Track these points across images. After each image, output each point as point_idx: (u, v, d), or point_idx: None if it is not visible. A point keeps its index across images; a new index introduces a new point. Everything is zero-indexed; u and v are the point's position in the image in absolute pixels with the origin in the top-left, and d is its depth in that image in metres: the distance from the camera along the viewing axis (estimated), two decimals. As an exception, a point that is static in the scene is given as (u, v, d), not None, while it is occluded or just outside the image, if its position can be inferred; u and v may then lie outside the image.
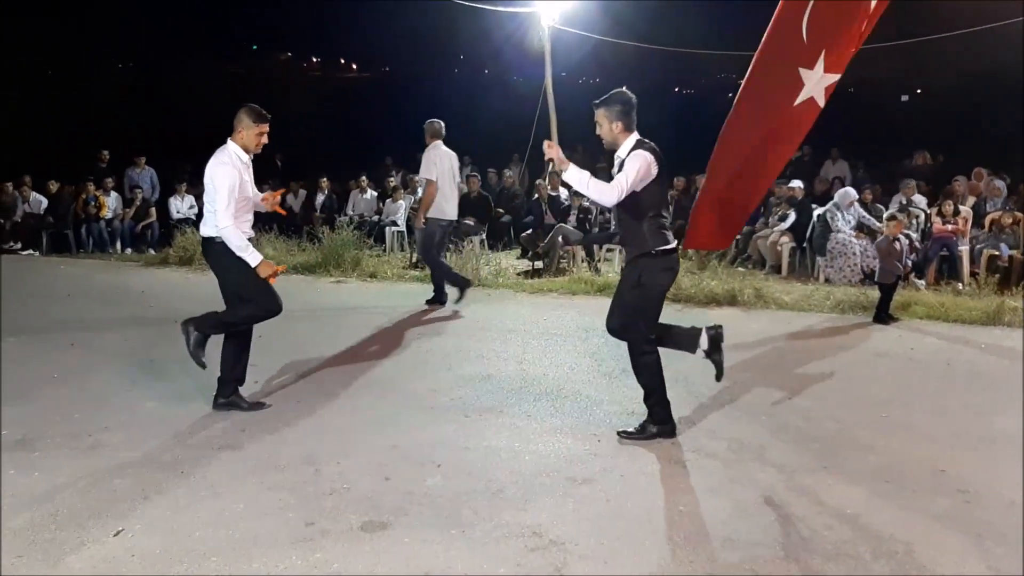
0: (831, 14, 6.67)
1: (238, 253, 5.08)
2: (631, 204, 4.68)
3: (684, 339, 5.00)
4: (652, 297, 4.79)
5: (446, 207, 8.77)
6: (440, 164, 8.66)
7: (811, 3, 6.61)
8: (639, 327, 4.82)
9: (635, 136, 4.77)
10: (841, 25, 6.72)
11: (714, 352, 4.95)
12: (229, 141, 5.20)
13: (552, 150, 4.87)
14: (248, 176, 5.25)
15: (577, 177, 4.65)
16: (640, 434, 4.90)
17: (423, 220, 8.70)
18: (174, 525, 3.78)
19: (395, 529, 3.74)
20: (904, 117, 22.62)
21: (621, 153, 4.76)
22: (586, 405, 5.51)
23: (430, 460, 4.54)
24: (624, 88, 4.85)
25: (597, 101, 4.82)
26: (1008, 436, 4.96)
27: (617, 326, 4.92)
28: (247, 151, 5.23)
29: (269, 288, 5.24)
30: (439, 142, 8.78)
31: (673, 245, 4.83)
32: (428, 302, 8.91)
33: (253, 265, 5.11)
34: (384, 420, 5.22)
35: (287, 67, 57.62)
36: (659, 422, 4.91)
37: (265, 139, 5.28)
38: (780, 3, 6.67)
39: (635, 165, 4.60)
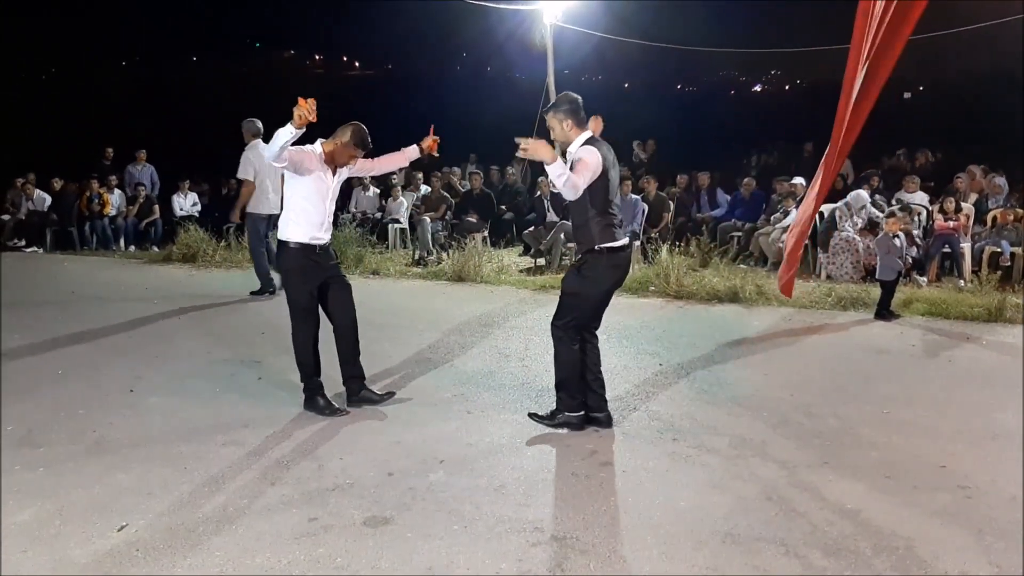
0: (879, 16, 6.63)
1: (280, 141, 4.73)
2: (581, 201, 4.67)
3: (592, 397, 4.99)
4: (590, 289, 4.79)
5: (266, 202, 9.09)
6: (258, 162, 8.91)
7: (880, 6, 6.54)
8: (563, 311, 4.84)
9: (587, 133, 4.79)
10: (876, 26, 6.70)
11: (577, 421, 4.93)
12: (320, 140, 5.16)
13: (535, 145, 4.43)
14: (324, 176, 5.14)
15: (560, 170, 4.43)
16: (549, 420, 4.97)
17: (238, 216, 9.17)
18: (178, 520, 3.80)
19: (398, 524, 3.76)
20: (907, 114, 22.63)
21: (572, 148, 4.75)
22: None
23: (433, 456, 4.56)
24: (568, 91, 4.87)
25: (545, 108, 4.85)
26: (1009, 432, 4.97)
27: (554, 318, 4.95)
28: (329, 157, 5.15)
29: (306, 303, 5.24)
30: (258, 141, 8.99)
31: (621, 243, 4.82)
32: (252, 293, 9.31)
33: (291, 126, 4.67)
34: (386, 416, 5.24)
35: (290, 65, 57.75)
36: (567, 409, 4.95)
37: (353, 163, 5.26)
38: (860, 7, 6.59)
39: (585, 157, 4.59)
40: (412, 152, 5.71)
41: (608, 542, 3.59)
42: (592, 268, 4.77)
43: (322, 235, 5.23)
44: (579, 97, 4.82)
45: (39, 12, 36.13)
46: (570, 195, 4.55)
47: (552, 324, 4.93)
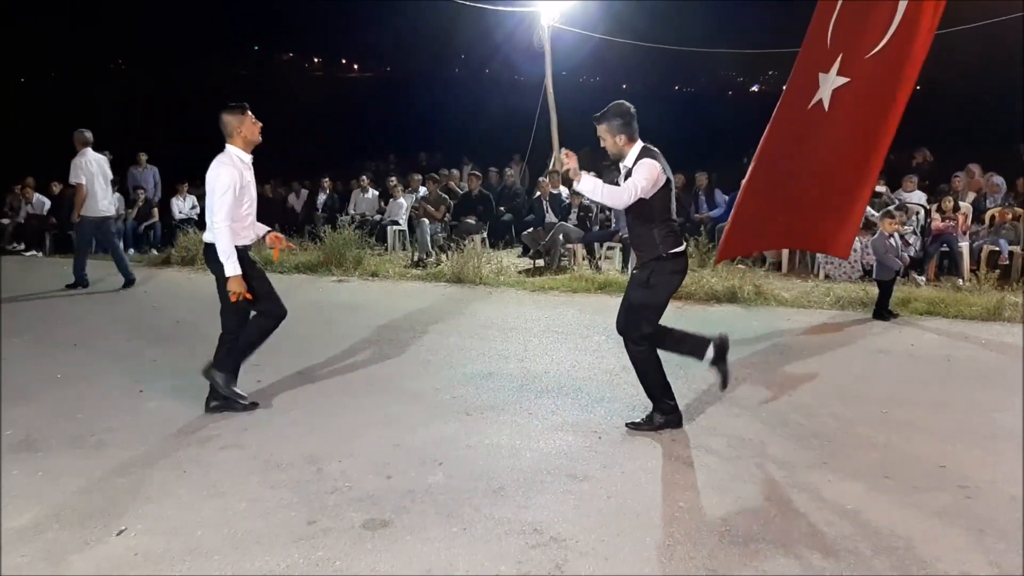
0: (853, 17, 6.74)
1: (220, 256, 5.04)
2: (643, 210, 4.74)
3: (693, 346, 5.02)
4: (658, 298, 4.86)
5: (98, 205, 9.86)
6: (88, 168, 9.72)
7: (839, 6, 6.68)
8: (639, 324, 4.88)
9: (640, 144, 4.83)
10: (859, 28, 6.78)
11: (720, 361, 4.98)
12: (228, 146, 5.19)
13: (570, 160, 4.81)
14: (251, 177, 5.25)
15: (591, 186, 4.70)
16: (648, 425, 4.99)
17: (77, 217, 9.90)
18: (177, 524, 3.80)
19: (397, 527, 3.75)
20: (905, 113, 22.58)
21: (627, 162, 4.81)
22: (587, 402, 5.52)
23: (432, 458, 4.55)
24: (621, 100, 4.88)
25: (597, 115, 4.86)
26: (1008, 432, 4.97)
27: (622, 325, 4.99)
28: (248, 147, 5.22)
29: (273, 293, 5.25)
30: (88, 149, 9.82)
31: (683, 248, 4.91)
32: (67, 286, 10.08)
33: (227, 275, 5.05)
34: (386, 418, 5.23)
35: (289, 67, 57.74)
36: (665, 412, 5.00)
37: (258, 123, 5.27)
38: (816, 8, 6.75)
39: (644, 173, 4.65)
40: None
41: (607, 543, 3.59)
42: (659, 275, 4.80)
43: (252, 236, 5.34)
44: (631, 107, 4.83)
45: (38, 16, 36.10)
46: (617, 205, 4.72)
47: (627, 341, 4.95)
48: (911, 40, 6.72)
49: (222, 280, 5.17)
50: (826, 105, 6.99)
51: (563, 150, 4.90)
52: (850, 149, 7.14)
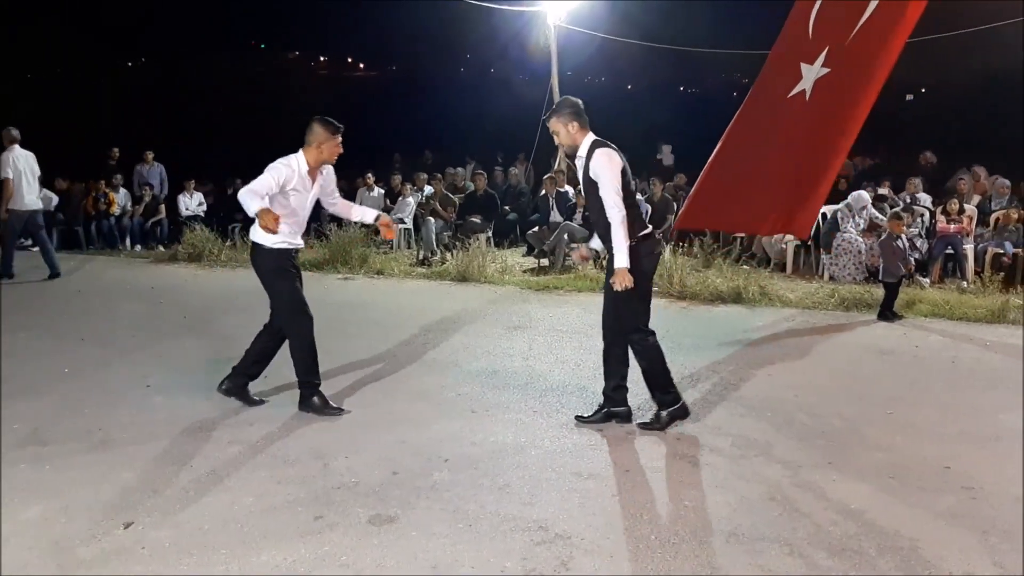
0: (836, 10, 6.87)
1: (250, 210, 4.84)
2: (601, 203, 4.74)
3: (668, 390, 5.05)
4: (641, 285, 4.80)
5: (24, 199, 10.31)
6: (15, 164, 10.21)
7: (819, 2, 6.83)
8: (633, 317, 4.88)
9: (591, 135, 4.87)
10: (843, 21, 6.91)
11: (659, 422, 5.00)
12: (301, 152, 5.13)
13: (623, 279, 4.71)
14: (304, 189, 5.16)
15: (621, 250, 4.68)
16: (656, 424, 4.98)
17: (5, 212, 10.28)
18: (183, 518, 3.82)
19: (402, 523, 3.77)
20: (909, 116, 22.59)
21: (582, 152, 4.84)
22: (592, 400, 5.51)
23: (437, 455, 4.57)
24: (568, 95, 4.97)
25: (545, 115, 4.94)
26: (1013, 433, 4.96)
27: (611, 321, 4.98)
28: (316, 164, 5.17)
29: (300, 301, 5.24)
30: (16, 146, 10.34)
31: (650, 230, 4.95)
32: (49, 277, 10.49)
33: (252, 212, 4.81)
34: (391, 415, 5.25)
35: (295, 66, 57.80)
36: (669, 404, 5.01)
37: (340, 148, 5.24)
38: (795, 1, 6.91)
39: (608, 169, 4.69)
40: (369, 215, 5.71)
41: (612, 541, 3.60)
42: (634, 262, 4.75)
43: (297, 242, 5.29)
44: (579, 100, 4.89)
45: (45, 13, 36.22)
46: (620, 222, 4.66)
47: (628, 338, 4.94)
48: (885, 32, 6.86)
49: (276, 285, 5.20)
50: (808, 95, 7.12)
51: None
52: (821, 135, 7.26)
